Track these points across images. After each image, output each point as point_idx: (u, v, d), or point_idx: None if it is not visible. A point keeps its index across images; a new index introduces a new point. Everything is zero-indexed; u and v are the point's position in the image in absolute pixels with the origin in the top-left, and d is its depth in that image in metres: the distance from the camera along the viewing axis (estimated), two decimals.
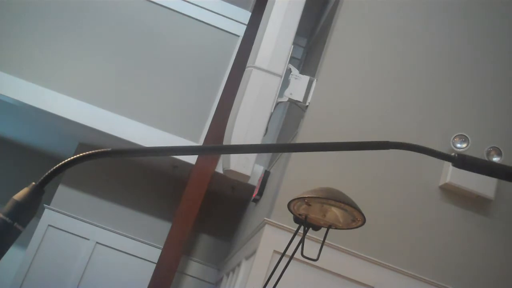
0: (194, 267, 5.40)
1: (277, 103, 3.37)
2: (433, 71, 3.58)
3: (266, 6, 3.64)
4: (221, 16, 5.20)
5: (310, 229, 1.68)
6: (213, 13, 5.20)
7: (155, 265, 4.58)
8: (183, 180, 5.12)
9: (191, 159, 4.76)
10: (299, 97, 3.43)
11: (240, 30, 5.13)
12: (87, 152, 0.98)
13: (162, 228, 5.32)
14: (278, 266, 1.78)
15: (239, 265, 3.66)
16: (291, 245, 1.76)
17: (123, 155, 1.08)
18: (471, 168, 1.03)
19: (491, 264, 3.20)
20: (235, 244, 4.85)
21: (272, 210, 3.12)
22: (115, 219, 5.36)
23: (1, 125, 6.05)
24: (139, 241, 5.31)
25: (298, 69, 3.63)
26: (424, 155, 1.05)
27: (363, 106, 3.42)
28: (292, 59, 4.06)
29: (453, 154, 1.03)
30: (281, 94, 3.42)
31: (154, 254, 5.07)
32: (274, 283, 1.76)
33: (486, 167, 1.04)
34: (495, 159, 3.24)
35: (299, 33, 3.99)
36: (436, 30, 3.68)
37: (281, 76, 3.37)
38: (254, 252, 3.11)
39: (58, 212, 5.25)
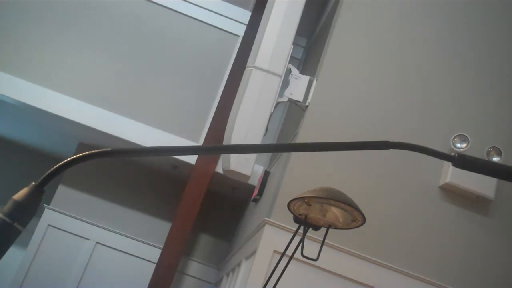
0: (194, 267, 5.40)
1: (277, 103, 3.37)
2: (433, 71, 3.58)
3: (266, 6, 3.64)
4: (221, 16, 5.20)
5: (310, 229, 1.68)
6: (213, 13, 5.20)
7: (155, 265, 4.58)
8: (183, 180, 5.12)
9: (191, 159, 4.76)
10: (299, 97, 3.43)
11: (240, 30, 5.13)
12: (87, 152, 0.98)
13: (162, 228, 5.32)
14: (278, 266, 1.78)
15: (239, 265, 3.66)
16: (291, 245, 1.76)
17: (123, 155, 1.08)
18: (471, 168, 1.03)
19: (491, 264, 3.20)
20: (235, 244, 4.85)
21: (272, 210, 3.12)
22: (115, 219, 5.36)
23: (1, 125, 6.05)
24: (139, 241, 5.31)
25: (298, 69, 3.63)
26: (424, 155, 1.05)
27: (363, 106, 3.42)
28: (292, 59, 4.06)
29: (453, 154, 1.03)
30: (281, 94, 3.42)
31: (154, 254, 5.07)
32: (274, 283, 1.76)
33: (486, 167, 1.04)
34: (495, 159, 3.24)
35: (299, 33, 3.99)
36: (436, 29, 3.68)
37: (281, 76, 3.37)
38: (254, 252, 3.10)
39: (58, 212, 5.25)
